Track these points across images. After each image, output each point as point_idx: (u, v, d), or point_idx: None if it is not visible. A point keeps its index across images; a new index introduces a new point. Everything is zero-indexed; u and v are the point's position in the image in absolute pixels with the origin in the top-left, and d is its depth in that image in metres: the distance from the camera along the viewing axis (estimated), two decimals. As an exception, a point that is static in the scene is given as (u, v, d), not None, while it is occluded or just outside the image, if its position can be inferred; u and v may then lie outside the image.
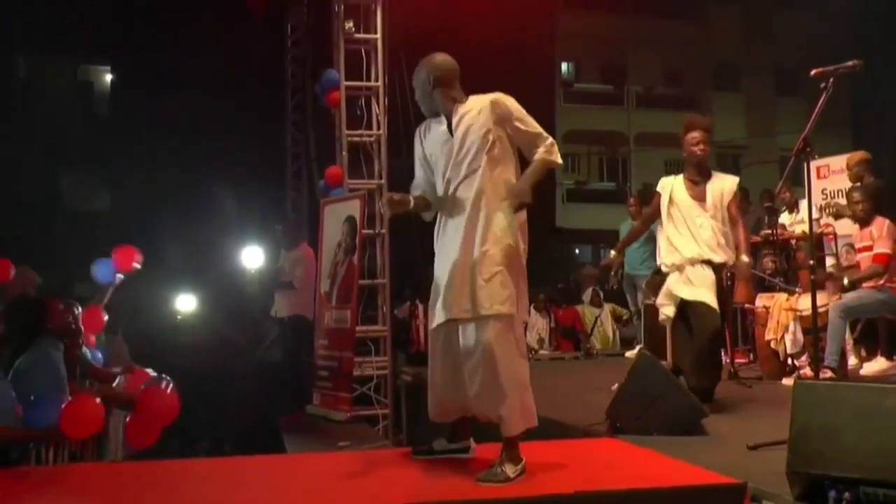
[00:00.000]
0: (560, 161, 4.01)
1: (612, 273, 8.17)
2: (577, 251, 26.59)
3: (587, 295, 12.01)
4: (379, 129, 8.53)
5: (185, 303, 11.63)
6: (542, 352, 10.58)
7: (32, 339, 4.91)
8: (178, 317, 11.54)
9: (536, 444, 4.75)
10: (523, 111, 3.96)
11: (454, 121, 3.95)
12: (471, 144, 3.89)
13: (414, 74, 4.10)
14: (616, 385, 5.12)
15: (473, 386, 3.79)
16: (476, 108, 3.92)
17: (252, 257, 11.90)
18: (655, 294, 9.12)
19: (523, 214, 3.92)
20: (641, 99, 27.55)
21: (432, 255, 4.03)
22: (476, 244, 3.82)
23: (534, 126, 3.95)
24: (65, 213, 25.09)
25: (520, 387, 3.78)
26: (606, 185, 27.68)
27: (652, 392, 4.77)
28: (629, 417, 4.81)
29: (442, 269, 3.91)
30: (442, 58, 4.12)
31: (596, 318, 11.61)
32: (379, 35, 8.58)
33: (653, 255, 9.75)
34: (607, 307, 11.80)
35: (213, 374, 8.99)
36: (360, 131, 8.53)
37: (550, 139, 3.97)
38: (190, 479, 4.07)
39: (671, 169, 28.76)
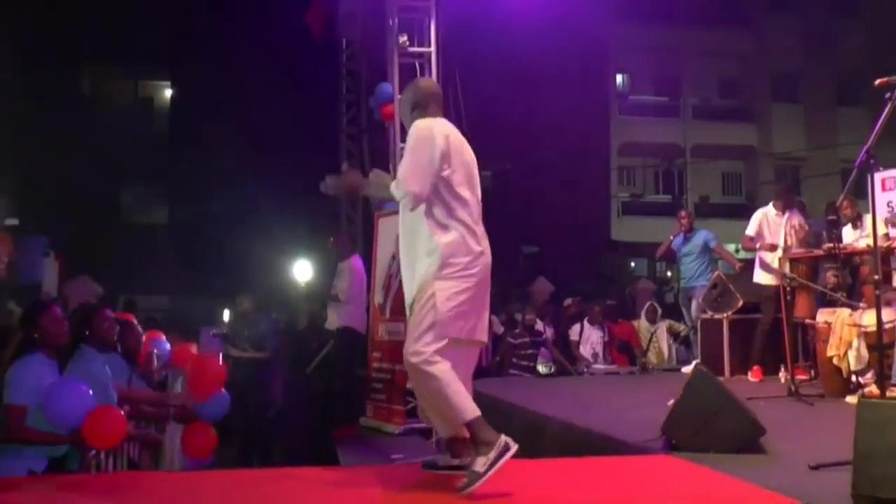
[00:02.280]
0: (394, 196, 3.87)
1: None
2: (632, 265, 26.33)
3: (644, 309, 11.85)
4: (433, 141, 8.52)
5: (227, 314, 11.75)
6: (596, 366, 10.44)
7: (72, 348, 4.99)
8: (229, 329, 11.64)
9: (589, 461, 4.70)
10: (414, 146, 3.85)
11: None
12: None
13: (402, 96, 4.20)
14: (671, 401, 5.02)
15: None
16: None
17: (303, 270, 11.96)
18: (712, 308, 9.02)
19: (448, 236, 3.82)
20: (697, 110, 27.28)
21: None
22: (408, 277, 3.92)
23: (404, 165, 3.84)
24: (124, 225, 25.64)
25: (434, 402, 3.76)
26: (662, 198, 27.47)
27: (708, 408, 4.66)
28: (685, 434, 4.70)
29: None
30: (424, 82, 4.26)
31: (652, 334, 11.44)
32: (433, 48, 8.59)
33: (708, 267, 9.61)
34: (664, 323, 11.63)
35: (266, 386, 9.05)
36: (414, 144, 8.54)
37: (401, 189, 3.81)
38: (243, 489, 4.09)
39: (728, 181, 28.47)
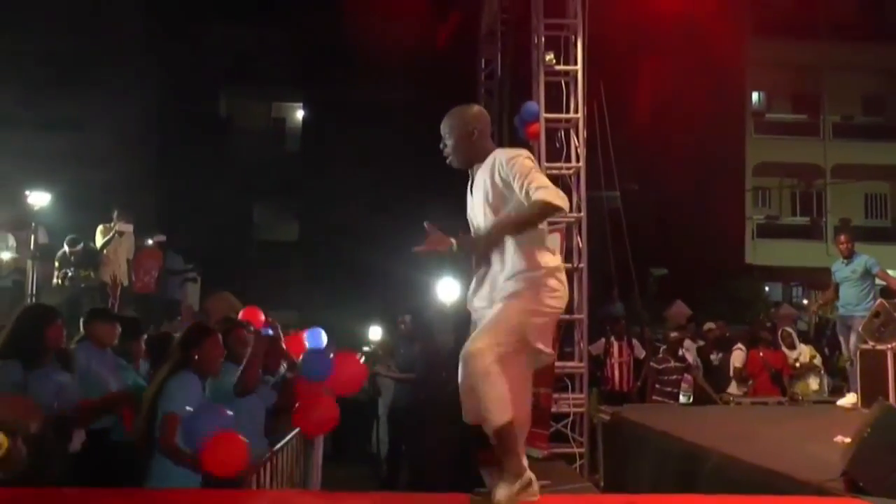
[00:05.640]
0: (545, 205, 3.58)
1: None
2: (766, 289, 25.34)
3: (779, 335, 11.37)
4: (578, 161, 8.40)
5: (377, 333, 11.79)
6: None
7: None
8: (369, 347, 11.75)
9: (767, 499, 4.42)
10: (522, 165, 3.68)
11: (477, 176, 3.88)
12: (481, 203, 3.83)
13: (448, 119, 3.89)
14: (839, 437, 4.69)
15: None
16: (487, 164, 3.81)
17: (447, 290, 11.90)
18: (874, 339, 8.48)
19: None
20: (839, 129, 26.01)
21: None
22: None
23: (535, 178, 3.64)
24: (256, 241, 26.41)
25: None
26: (800, 220, 26.33)
27: (901, 449, 4.31)
28: (874, 477, 4.34)
29: None
30: (481, 109, 4.06)
31: (794, 361, 10.97)
32: (579, 66, 8.47)
33: (870, 293, 9.06)
34: (806, 349, 11.14)
35: (414, 408, 9.07)
36: (559, 164, 8.43)
37: (538, 196, 3.58)
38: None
39: (872, 203, 27.07)
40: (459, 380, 3.68)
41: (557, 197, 3.59)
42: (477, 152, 3.85)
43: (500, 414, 3.59)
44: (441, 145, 3.88)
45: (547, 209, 3.62)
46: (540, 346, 3.80)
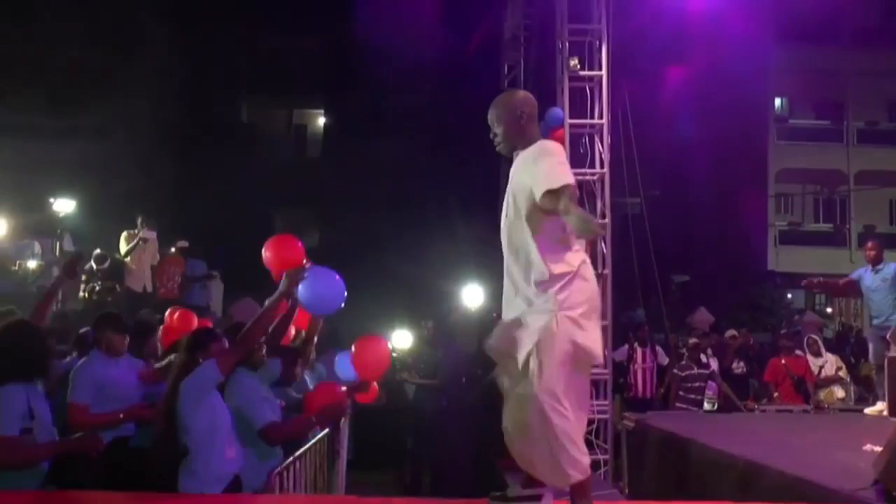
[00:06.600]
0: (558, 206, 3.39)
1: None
2: (789, 296, 25.16)
3: (804, 342, 11.26)
4: (602, 167, 8.37)
5: (402, 339, 11.77)
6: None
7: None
8: (394, 354, 11.74)
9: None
10: (555, 155, 3.63)
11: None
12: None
13: (495, 108, 3.81)
14: (869, 445, 4.63)
15: None
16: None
17: (473, 296, 11.90)
18: (902, 347, 8.37)
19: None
20: (862, 134, 25.78)
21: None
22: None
23: (550, 167, 3.54)
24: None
25: None
26: (823, 227, 26.16)
27: (939, 457, 4.25)
28: (909, 485, 4.29)
29: None
30: (527, 94, 4.00)
31: (820, 368, 10.87)
32: (604, 72, 8.44)
33: (902, 302, 8.93)
34: (832, 357, 11.04)
35: (438, 413, 9.06)
36: (583, 170, 8.40)
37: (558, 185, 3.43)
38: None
39: (897, 210, 26.81)
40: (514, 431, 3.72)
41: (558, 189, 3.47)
42: (524, 136, 3.76)
43: (577, 465, 3.48)
44: (491, 135, 3.82)
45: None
46: (591, 347, 3.60)
